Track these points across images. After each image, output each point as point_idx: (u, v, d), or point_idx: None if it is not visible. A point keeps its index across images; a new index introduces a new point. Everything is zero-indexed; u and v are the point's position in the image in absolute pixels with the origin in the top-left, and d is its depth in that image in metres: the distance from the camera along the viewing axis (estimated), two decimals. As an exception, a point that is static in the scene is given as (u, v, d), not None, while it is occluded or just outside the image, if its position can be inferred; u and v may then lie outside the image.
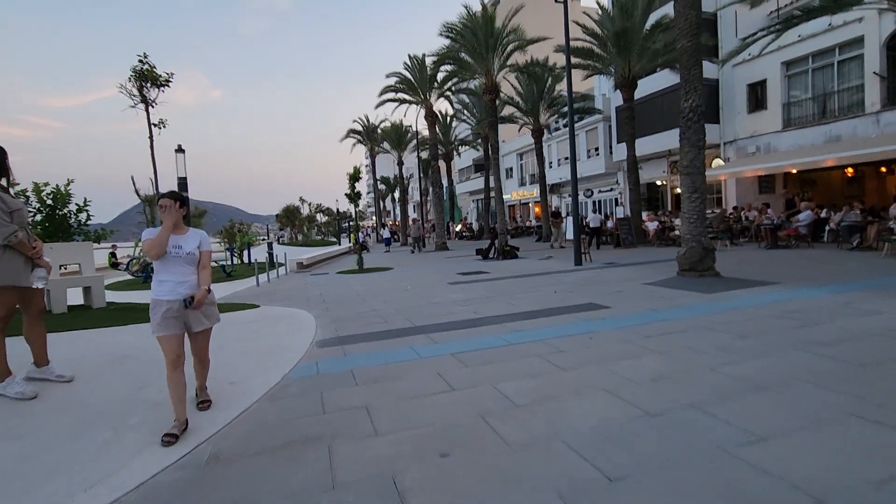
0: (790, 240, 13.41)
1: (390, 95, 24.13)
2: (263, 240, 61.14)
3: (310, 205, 46.59)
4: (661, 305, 6.64)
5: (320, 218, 59.02)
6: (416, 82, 23.30)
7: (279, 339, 5.82)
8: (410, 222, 25.69)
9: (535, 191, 35.73)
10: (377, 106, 24.17)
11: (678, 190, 24.50)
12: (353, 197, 15.34)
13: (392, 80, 23.50)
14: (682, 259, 8.52)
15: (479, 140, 35.97)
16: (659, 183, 24.65)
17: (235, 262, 21.38)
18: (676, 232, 16.36)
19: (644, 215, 19.77)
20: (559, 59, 19.65)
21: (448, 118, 37.25)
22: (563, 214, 25.75)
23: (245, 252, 21.76)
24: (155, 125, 6.58)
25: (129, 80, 6.40)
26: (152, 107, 6.56)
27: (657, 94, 22.16)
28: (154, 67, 6.42)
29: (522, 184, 38.26)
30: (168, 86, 6.60)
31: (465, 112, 33.63)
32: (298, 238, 42.34)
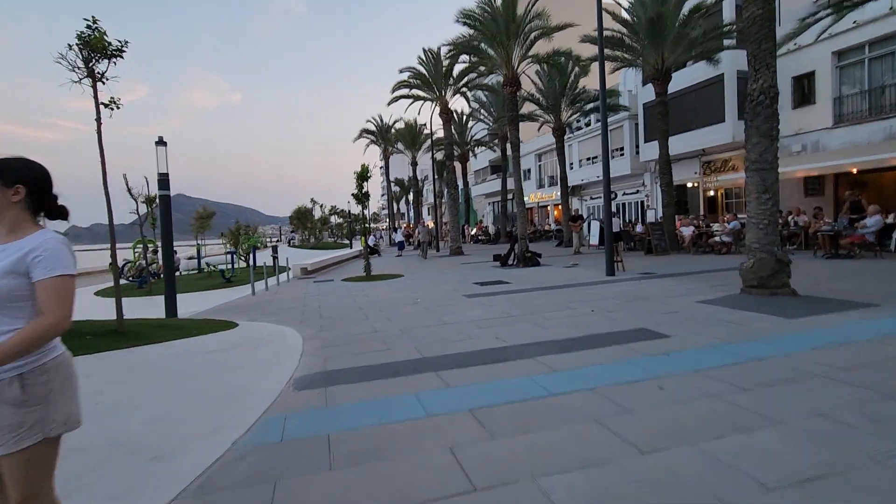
0: (853, 248, 11.77)
1: (404, 92, 22.93)
2: (277, 241, 60.41)
3: (322, 206, 45.66)
4: (735, 335, 5.20)
5: (334, 220, 58.20)
6: (430, 77, 22.06)
7: (249, 375, 4.55)
8: (421, 225, 24.28)
9: (553, 193, 34.23)
10: (390, 102, 23.00)
11: (711, 192, 22.89)
12: (362, 197, 14.11)
13: (405, 76, 22.31)
14: (749, 273, 7.05)
15: (496, 140, 34.62)
16: (690, 185, 22.96)
17: (241, 265, 20.36)
18: (716, 238, 14.79)
19: (676, 220, 18.17)
20: (584, 51, 18.22)
21: (464, 118, 35.99)
22: (585, 217, 24.26)
23: (250, 255, 20.71)
24: (105, 105, 5.40)
25: (71, 49, 5.22)
26: (102, 82, 5.40)
27: (690, 89, 20.54)
28: (105, 33, 5.23)
29: (541, 186, 36.77)
30: (122, 56, 5.40)
31: (482, 111, 32.30)
32: (310, 241, 41.42)
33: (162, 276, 18.59)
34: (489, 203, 45.60)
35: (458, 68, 21.77)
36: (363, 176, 13.72)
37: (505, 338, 5.70)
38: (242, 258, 20.97)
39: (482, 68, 21.73)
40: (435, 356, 5.08)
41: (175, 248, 24.35)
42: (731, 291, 7.68)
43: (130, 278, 16.02)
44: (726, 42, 17.74)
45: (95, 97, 5.33)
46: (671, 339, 5.17)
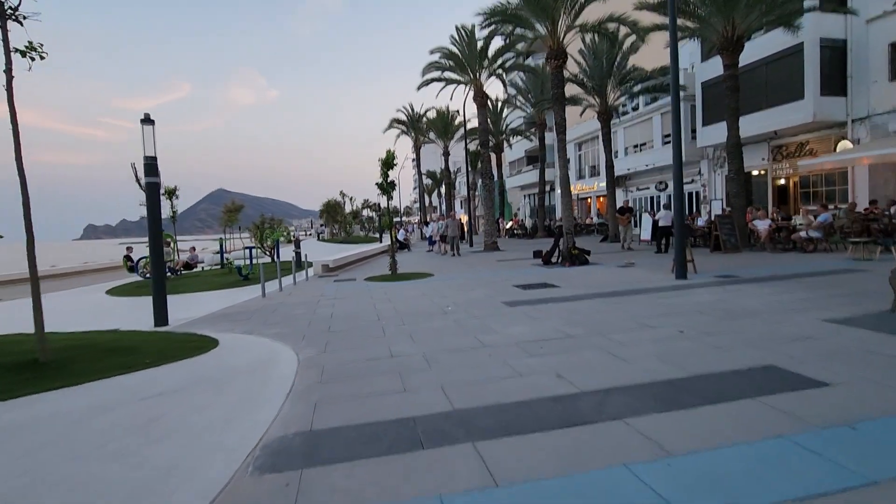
0: None
1: (435, 74, 21.25)
2: (308, 234, 59.97)
3: (351, 199, 44.61)
4: (939, 386, 3.35)
5: (367, 213, 57.31)
6: (464, 58, 20.28)
7: (193, 442, 3.05)
8: (448, 217, 22.20)
9: (595, 184, 32.00)
10: (420, 86, 21.36)
11: (782, 181, 20.23)
12: (387, 187, 12.62)
13: (436, 56, 20.63)
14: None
15: (533, 129, 32.60)
16: (756, 173, 20.36)
17: (263, 260, 19.34)
18: (802, 234, 12.52)
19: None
20: (639, 20, 16.01)
21: (499, 105, 34.04)
22: (634, 210, 22.07)
23: (273, 251, 19.64)
24: (21, 53, 4.06)
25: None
26: (18, 22, 4.02)
27: (759, 62, 18.02)
28: (18, -47, 3.86)
29: (581, 176, 34.47)
30: (43, -15, 4.06)
31: (519, 98, 30.31)
32: (340, 235, 40.49)
33: (180, 272, 17.81)
34: (525, 195, 43.53)
35: (493, 47, 19.96)
36: (388, 163, 12.21)
37: (569, 376, 4.03)
38: (266, 253, 19.99)
39: (520, 46, 19.83)
40: (471, 408, 3.47)
41: (194, 244, 23.68)
42: (868, 307, 5.73)
43: (146, 275, 15.13)
44: (807, 3, 15.24)
45: (5, 40, 3.97)
46: (834, 392, 3.38)
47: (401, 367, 4.61)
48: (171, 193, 17.50)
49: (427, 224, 29.34)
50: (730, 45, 14.61)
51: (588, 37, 21.21)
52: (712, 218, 15.47)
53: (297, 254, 17.35)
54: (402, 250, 24.18)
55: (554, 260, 13.45)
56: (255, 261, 15.40)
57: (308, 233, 64.47)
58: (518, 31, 15.38)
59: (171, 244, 17.60)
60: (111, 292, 13.34)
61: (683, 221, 9.42)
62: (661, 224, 15.94)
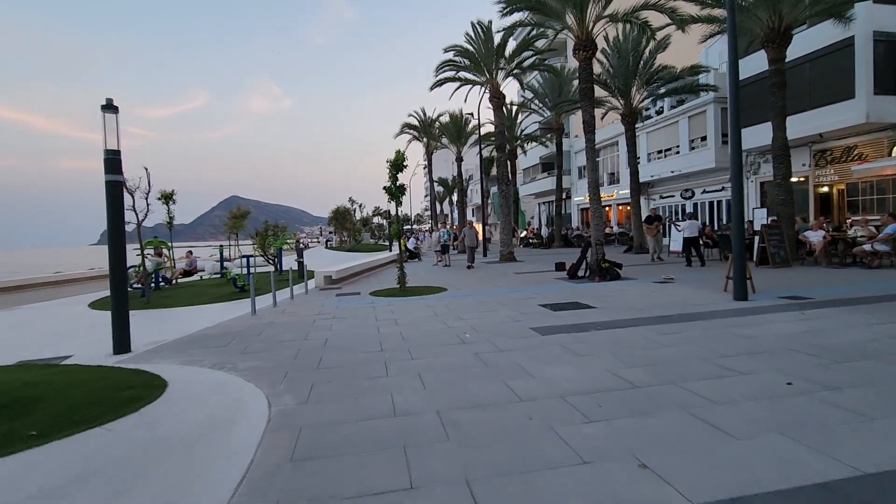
0: None
1: (449, 74, 20.05)
2: (317, 241, 58.98)
3: (361, 206, 43.50)
4: None
5: (377, 221, 56.27)
6: (479, 56, 19.08)
7: None
8: (466, 226, 21.01)
9: (614, 192, 30.57)
10: (433, 87, 20.16)
11: (825, 189, 18.63)
12: (396, 191, 11.37)
13: (451, 55, 19.44)
14: None
15: (549, 135, 31.33)
16: (795, 179, 18.74)
17: (267, 270, 18.19)
18: (867, 247, 10.99)
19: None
20: (675, 7, 14.63)
21: (513, 111, 32.78)
22: (662, 218, 20.59)
23: (276, 259, 18.45)
24: None
25: None
26: None
27: (802, 59, 16.54)
28: None
29: (599, 184, 33.02)
30: None
31: (536, 101, 29.06)
32: (349, 242, 39.34)
33: (175, 282, 16.71)
34: (539, 203, 42.18)
35: (510, 46, 18.73)
36: (397, 164, 10.97)
37: (658, 466, 2.68)
38: (270, 262, 18.85)
39: (539, 43, 18.60)
40: (518, 535, 2.13)
41: (191, 249, 22.64)
42: None
43: (135, 285, 13.97)
44: (860, -8, 13.80)
45: None
46: None
47: (407, 434, 3.29)
48: (168, 198, 16.41)
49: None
50: (776, 38, 13.21)
51: (612, 34, 19.96)
52: (756, 228, 13.99)
53: (300, 263, 16.14)
54: (413, 260, 22.94)
55: (581, 274, 12.08)
56: (252, 270, 14.20)
57: (317, 240, 63.66)
58: (539, 21, 14.09)
59: (166, 252, 16.48)
60: (94, 305, 12.20)
61: (743, 231, 8.01)
62: (685, 235, 14.69)
